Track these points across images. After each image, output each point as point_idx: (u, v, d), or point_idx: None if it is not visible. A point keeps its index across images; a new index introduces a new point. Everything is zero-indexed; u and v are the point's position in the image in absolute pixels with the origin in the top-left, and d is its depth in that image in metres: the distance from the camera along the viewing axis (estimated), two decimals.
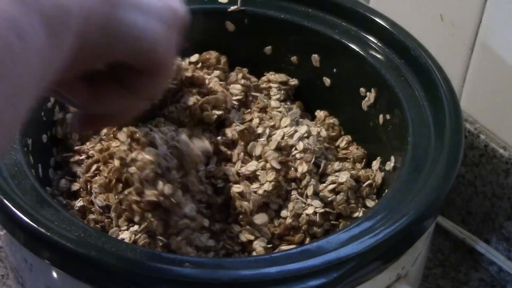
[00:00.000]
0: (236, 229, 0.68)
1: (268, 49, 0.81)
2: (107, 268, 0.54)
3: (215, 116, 0.73)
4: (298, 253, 0.57)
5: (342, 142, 0.78)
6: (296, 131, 0.72)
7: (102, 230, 0.65)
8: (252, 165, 0.70)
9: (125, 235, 0.63)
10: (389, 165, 0.71)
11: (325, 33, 0.77)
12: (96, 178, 0.67)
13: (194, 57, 0.80)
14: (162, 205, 0.62)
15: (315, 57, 0.79)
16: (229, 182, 0.70)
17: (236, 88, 0.77)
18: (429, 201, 0.60)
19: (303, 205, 0.69)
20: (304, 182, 0.69)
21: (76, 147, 0.73)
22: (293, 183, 0.70)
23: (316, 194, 0.69)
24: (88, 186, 0.67)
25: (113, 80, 0.54)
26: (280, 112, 0.76)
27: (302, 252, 0.57)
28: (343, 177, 0.70)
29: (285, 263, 0.55)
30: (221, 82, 0.78)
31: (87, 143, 0.73)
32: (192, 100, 0.73)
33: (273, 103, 0.77)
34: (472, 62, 0.81)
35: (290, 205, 0.69)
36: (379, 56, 0.74)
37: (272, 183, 0.69)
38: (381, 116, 0.74)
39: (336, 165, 0.72)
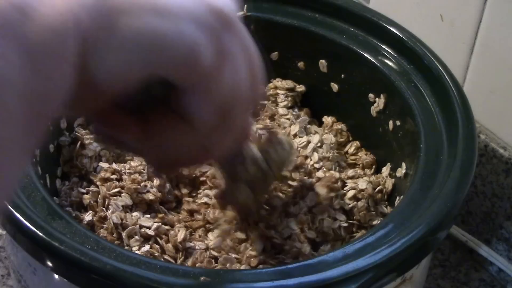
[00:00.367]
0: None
1: (274, 54, 0.81)
2: (122, 282, 0.53)
3: None
4: (315, 264, 0.56)
5: (351, 148, 0.77)
6: (309, 142, 0.72)
7: None
8: None
9: None
10: (400, 171, 0.71)
11: (332, 39, 0.77)
12: (118, 197, 0.67)
13: None
14: None
15: (322, 63, 0.78)
16: None
17: None
18: (445, 210, 0.60)
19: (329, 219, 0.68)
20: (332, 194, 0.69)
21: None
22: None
23: (341, 207, 0.69)
24: (106, 202, 0.66)
25: (163, 108, 0.46)
26: (288, 119, 0.76)
27: (319, 263, 0.56)
28: (363, 183, 0.69)
29: (302, 275, 0.55)
30: None
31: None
32: None
33: (281, 110, 0.77)
34: (472, 62, 0.81)
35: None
36: (388, 61, 0.74)
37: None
38: (390, 122, 0.73)
39: (350, 171, 0.72)
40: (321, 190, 0.68)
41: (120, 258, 0.55)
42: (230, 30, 0.46)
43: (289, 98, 0.79)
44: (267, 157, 0.62)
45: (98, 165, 0.71)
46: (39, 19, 0.36)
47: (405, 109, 0.70)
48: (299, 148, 0.72)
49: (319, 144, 0.73)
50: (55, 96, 0.37)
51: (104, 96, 0.42)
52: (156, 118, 0.46)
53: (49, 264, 0.56)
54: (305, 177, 0.71)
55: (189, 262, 0.64)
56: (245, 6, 0.78)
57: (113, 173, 0.69)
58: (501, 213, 0.82)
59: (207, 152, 0.50)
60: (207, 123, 0.47)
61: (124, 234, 0.63)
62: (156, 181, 0.69)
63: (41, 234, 0.56)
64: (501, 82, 0.79)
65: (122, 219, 0.64)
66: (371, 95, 0.75)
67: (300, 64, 0.80)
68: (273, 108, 0.77)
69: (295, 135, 0.74)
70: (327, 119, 0.79)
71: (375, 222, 0.69)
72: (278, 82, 0.80)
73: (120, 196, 0.67)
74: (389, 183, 0.72)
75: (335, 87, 0.79)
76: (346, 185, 0.70)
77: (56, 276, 0.58)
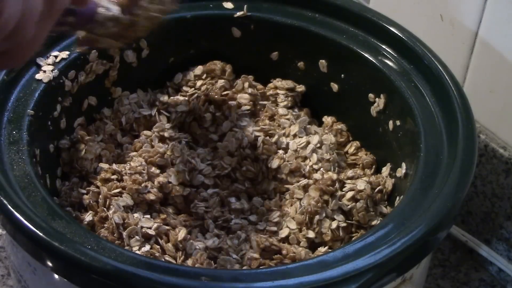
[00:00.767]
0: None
1: (274, 55, 0.81)
2: (122, 282, 0.54)
3: None
4: (315, 264, 0.56)
5: (351, 148, 0.77)
6: (309, 142, 0.72)
7: None
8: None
9: None
10: (400, 171, 0.71)
11: (332, 39, 0.77)
12: (119, 198, 0.67)
13: (199, 70, 0.79)
14: None
15: (322, 63, 0.78)
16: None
17: (244, 98, 0.77)
18: (445, 210, 0.60)
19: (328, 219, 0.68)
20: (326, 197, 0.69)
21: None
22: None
23: (339, 207, 0.69)
24: (107, 202, 0.66)
25: None
26: (288, 119, 0.76)
27: (319, 263, 0.56)
28: (361, 184, 0.70)
29: (302, 275, 0.55)
30: (227, 92, 0.77)
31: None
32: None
33: (281, 110, 0.77)
34: (472, 62, 0.81)
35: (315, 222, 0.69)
36: (388, 61, 0.74)
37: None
38: (390, 122, 0.73)
39: (350, 172, 0.72)
40: (313, 193, 0.69)
41: (120, 258, 0.55)
42: None
43: (289, 98, 0.79)
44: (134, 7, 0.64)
45: (98, 166, 0.71)
46: None
47: (405, 109, 0.70)
48: (298, 149, 0.73)
49: (318, 145, 0.73)
50: None
51: None
52: None
53: (49, 264, 0.56)
54: (302, 178, 0.71)
55: (189, 262, 0.64)
56: (245, 6, 0.79)
57: (113, 174, 0.69)
58: (501, 213, 0.82)
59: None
60: None
61: (124, 234, 0.64)
62: (156, 182, 0.69)
63: (41, 234, 0.56)
64: (501, 82, 0.79)
65: (124, 219, 0.64)
66: (371, 95, 0.75)
67: (300, 64, 0.80)
68: (273, 108, 0.77)
69: (294, 135, 0.74)
70: (327, 119, 0.79)
71: (374, 223, 0.69)
72: (278, 82, 0.80)
73: (121, 196, 0.67)
74: (389, 183, 0.72)
75: (335, 87, 0.79)
76: (345, 186, 0.70)
77: (56, 276, 0.58)
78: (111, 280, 0.54)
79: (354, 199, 0.69)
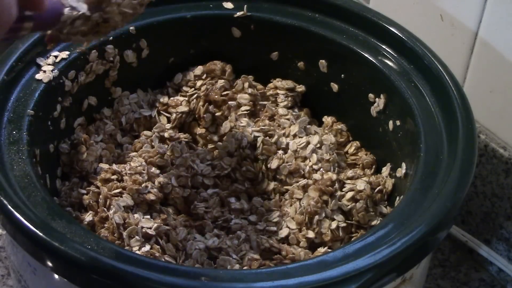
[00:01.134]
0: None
1: (274, 55, 0.81)
2: (122, 282, 0.53)
3: None
4: (315, 264, 0.56)
5: (351, 148, 0.77)
6: (309, 143, 0.72)
7: None
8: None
9: None
10: (400, 171, 0.71)
11: (333, 39, 0.76)
12: (120, 198, 0.67)
13: (199, 70, 0.79)
14: None
15: (322, 63, 0.78)
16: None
17: (244, 98, 0.77)
18: (445, 210, 0.60)
19: (327, 220, 0.68)
20: (325, 197, 0.69)
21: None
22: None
23: (339, 208, 0.69)
24: (107, 202, 0.66)
25: None
26: (288, 119, 0.76)
27: (319, 263, 0.56)
28: (361, 184, 0.70)
29: (302, 275, 0.55)
30: (227, 92, 0.77)
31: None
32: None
33: (281, 110, 0.77)
34: (472, 62, 0.81)
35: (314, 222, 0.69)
36: (388, 61, 0.74)
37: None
38: (390, 122, 0.73)
39: (350, 172, 0.72)
40: (313, 193, 0.69)
41: (120, 258, 0.55)
42: None
43: (289, 98, 0.79)
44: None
45: (98, 166, 0.71)
46: None
47: (405, 109, 0.70)
48: (298, 149, 0.73)
49: (318, 145, 0.73)
50: None
51: None
52: None
53: (49, 264, 0.56)
54: (301, 179, 0.71)
55: (189, 262, 0.64)
56: (245, 6, 0.78)
57: (113, 174, 0.69)
58: (501, 213, 0.82)
59: None
60: None
61: (125, 234, 0.64)
62: (157, 182, 0.70)
63: (41, 234, 0.56)
64: (501, 82, 0.79)
65: (124, 219, 0.65)
66: (371, 95, 0.75)
67: (300, 64, 0.80)
68: (273, 108, 0.77)
69: (294, 135, 0.74)
70: (327, 119, 0.79)
71: (374, 223, 0.69)
72: (278, 82, 0.80)
73: (121, 196, 0.67)
74: (389, 183, 0.72)
75: (335, 87, 0.79)
76: (345, 186, 0.70)
77: (56, 276, 0.58)
78: (111, 280, 0.54)
79: (354, 199, 0.69)
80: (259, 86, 0.80)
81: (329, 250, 0.66)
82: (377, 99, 0.75)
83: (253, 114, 0.77)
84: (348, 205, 0.69)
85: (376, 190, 0.71)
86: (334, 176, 0.70)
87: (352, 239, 0.66)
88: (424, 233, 0.58)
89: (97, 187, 0.68)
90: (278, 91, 0.79)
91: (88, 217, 0.66)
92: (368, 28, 0.76)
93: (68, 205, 0.68)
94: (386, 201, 0.72)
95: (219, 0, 0.79)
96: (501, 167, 0.80)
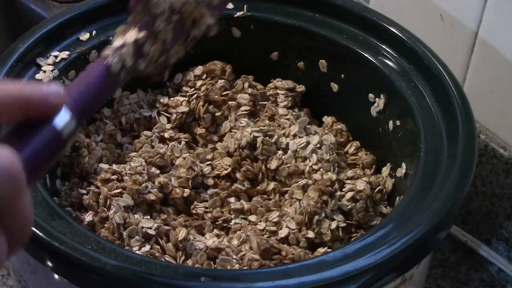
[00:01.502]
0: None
1: (274, 55, 0.81)
2: (122, 283, 0.53)
3: None
4: (315, 264, 0.56)
5: (351, 148, 0.77)
6: (309, 143, 0.72)
7: None
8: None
9: None
10: (400, 171, 0.71)
11: (333, 39, 0.76)
12: (120, 198, 0.67)
13: (199, 70, 0.79)
14: None
15: (322, 63, 0.78)
16: None
17: (243, 98, 0.77)
18: (445, 210, 0.60)
19: (327, 220, 0.68)
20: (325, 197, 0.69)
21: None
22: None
23: (338, 208, 0.69)
24: (107, 202, 0.66)
25: None
26: (288, 119, 0.76)
27: (319, 263, 0.56)
28: (361, 185, 0.70)
29: (302, 275, 0.55)
30: (226, 92, 0.77)
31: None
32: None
33: (281, 110, 0.77)
34: (472, 62, 0.81)
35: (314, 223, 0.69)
36: (388, 61, 0.74)
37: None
38: (391, 122, 0.73)
39: (350, 172, 0.72)
40: (312, 193, 0.69)
41: (120, 258, 0.55)
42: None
43: (289, 98, 0.79)
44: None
45: (98, 166, 0.71)
46: None
47: (405, 109, 0.70)
48: (298, 149, 0.72)
49: (318, 145, 0.73)
50: None
51: None
52: None
53: (49, 264, 0.56)
54: (301, 179, 0.71)
55: (189, 263, 0.64)
56: (245, 6, 0.78)
57: (113, 174, 0.69)
58: (501, 213, 0.82)
59: None
60: None
61: (125, 234, 0.63)
62: (157, 182, 0.70)
63: (41, 234, 0.56)
64: (501, 82, 0.79)
65: (124, 219, 0.64)
66: (371, 95, 0.75)
67: (300, 64, 0.80)
68: (273, 108, 0.77)
69: (294, 135, 0.74)
70: (327, 119, 0.79)
71: (374, 223, 0.69)
72: (278, 82, 0.80)
73: (121, 196, 0.67)
74: (389, 183, 0.72)
75: (335, 87, 0.79)
76: (345, 186, 0.70)
77: (56, 276, 0.58)
78: (111, 280, 0.54)
79: (353, 199, 0.69)
80: (259, 86, 0.80)
81: (329, 250, 0.66)
82: (377, 99, 0.75)
83: (253, 114, 0.77)
84: (348, 205, 0.69)
85: (376, 190, 0.71)
86: (334, 176, 0.70)
87: (352, 239, 0.66)
88: (424, 233, 0.58)
89: (97, 187, 0.68)
90: (278, 91, 0.79)
91: (88, 217, 0.66)
92: (368, 28, 0.76)
93: (68, 205, 0.68)
94: (386, 201, 0.72)
95: None
96: (501, 167, 0.80)
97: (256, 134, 0.73)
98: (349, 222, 0.69)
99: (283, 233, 0.68)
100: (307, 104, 0.81)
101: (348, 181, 0.71)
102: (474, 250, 0.86)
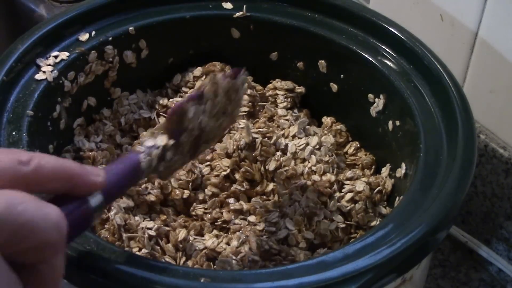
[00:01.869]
0: None
1: (274, 55, 0.81)
2: (122, 283, 0.53)
3: None
4: (315, 265, 0.56)
5: (350, 148, 0.77)
6: (307, 144, 0.72)
7: None
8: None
9: None
10: (400, 172, 0.71)
11: (332, 39, 0.76)
12: (121, 199, 0.67)
13: (198, 71, 0.79)
14: None
15: (322, 63, 0.78)
16: None
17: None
18: (445, 210, 0.60)
19: (326, 221, 0.68)
20: (324, 198, 0.69)
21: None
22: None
23: (338, 208, 0.69)
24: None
25: None
26: (287, 120, 0.76)
27: (318, 263, 0.56)
28: (360, 185, 0.70)
29: (302, 275, 0.55)
30: None
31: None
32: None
33: (280, 111, 0.77)
34: (472, 62, 0.81)
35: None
36: (388, 62, 0.74)
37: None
38: (390, 123, 0.73)
39: (349, 173, 0.72)
40: (311, 194, 0.69)
41: (120, 258, 0.55)
42: None
43: (289, 99, 0.79)
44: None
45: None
46: None
47: (404, 109, 0.70)
48: (297, 151, 0.72)
49: (317, 147, 0.73)
50: None
51: None
52: None
53: None
54: (298, 181, 0.71)
55: (189, 263, 0.64)
56: (244, 6, 0.78)
57: None
58: (501, 213, 0.82)
59: None
60: None
61: (125, 235, 0.63)
62: (156, 183, 0.69)
63: None
64: (501, 82, 0.79)
65: (125, 220, 0.64)
66: (370, 95, 0.75)
67: (300, 65, 0.80)
68: (272, 109, 0.77)
69: (294, 136, 0.74)
70: (327, 120, 0.79)
71: (373, 223, 0.69)
72: (277, 83, 0.80)
73: (121, 198, 0.67)
74: (389, 184, 0.72)
75: (334, 87, 0.79)
76: (344, 187, 0.70)
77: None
78: (110, 281, 0.53)
79: (353, 200, 0.69)
80: (258, 87, 0.80)
81: (329, 250, 0.66)
82: (376, 99, 0.75)
83: (252, 115, 0.77)
84: (347, 206, 0.69)
85: (375, 191, 0.71)
86: (333, 178, 0.70)
87: (352, 240, 0.66)
88: (424, 233, 0.58)
89: None
90: (278, 92, 0.79)
91: None
92: (367, 28, 0.76)
93: None
94: (385, 202, 0.72)
95: (218, 0, 0.79)
96: (501, 167, 0.80)
97: (255, 135, 0.73)
98: (348, 223, 0.69)
99: (282, 233, 0.68)
100: (306, 104, 0.81)
101: (348, 182, 0.71)
102: (474, 250, 0.86)
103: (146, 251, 0.63)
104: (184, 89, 0.79)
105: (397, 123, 0.72)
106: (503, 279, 0.84)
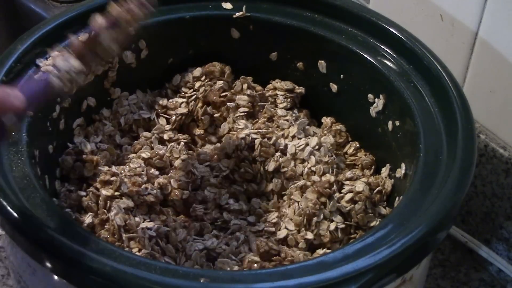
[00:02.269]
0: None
1: (273, 55, 0.80)
2: (121, 283, 0.53)
3: None
4: (315, 265, 0.56)
5: (350, 148, 0.77)
6: (307, 144, 0.72)
7: None
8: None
9: None
10: (400, 172, 0.71)
11: (332, 39, 0.76)
12: (120, 200, 0.67)
13: (197, 71, 0.79)
14: None
15: (321, 63, 0.78)
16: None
17: (242, 99, 0.77)
18: (445, 210, 0.60)
19: (326, 221, 0.68)
20: (323, 199, 0.69)
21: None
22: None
23: (337, 209, 0.69)
24: (107, 204, 0.66)
25: None
26: (287, 120, 0.76)
27: (318, 264, 0.56)
28: (360, 186, 0.70)
29: (302, 276, 0.55)
30: (225, 93, 0.77)
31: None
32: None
33: (280, 111, 0.77)
34: (472, 62, 0.81)
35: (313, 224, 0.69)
36: (387, 62, 0.74)
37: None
38: (390, 123, 0.73)
39: (348, 173, 0.72)
40: (311, 195, 0.69)
41: (120, 259, 0.55)
42: None
43: (288, 100, 0.79)
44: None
45: (98, 169, 0.71)
46: None
47: (404, 110, 0.70)
48: (297, 151, 0.72)
49: (317, 147, 0.73)
50: None
51: None
52: None
53: (48, 265, 0.56)
54: (298, 181, 0.71)
55: (189, 263, 0.64)
56: (244, 6, 0.78)
57: (112, 176, 0.69)
58: (501, 213, 0.82)
59: None
60: None
61: (125, 235, 0.63)
62: (156, 183, 0.69)
63: (40, 234, 0.56)
64: (501, 82, 0.79)
65: (125, 221, 0.64)
66: (370, 96, 0.75)
67: (299, 65, 0.80)
68: (272, 109, 0.77)
69: (293, 137, 0.74)
70: (326, 120, 0.79)
71: (373, 224, 0.69)
72: (277, 83, 0.80)
73: (121, 198, 0.67)
74: (389, 184, 0.72)
75: (334, 87, 0.79)
76: (344, 188, 0.70)
77: (56, 277, 0.58)
78: (110, 281, 0.53)
79: (352, 200, 0.69)
80: (258, 88, 0.80)
81: (329, 251, 0.66)
82: (376, 99, 0.75)
83: (251, 115, 0.77)
84: (347, 207, 0.69)
85: (375, 191, 0.71)
86: (332, 178, 0.70)
87: (351, 240, 0.66)
88: (424, 233, 0.58)
89: (97, 189, 0.68)
90: (277, 92, 0.79)
91: (88, 218, 0.66)
92: (367, 28, 0.76)
93: (67, 206, 0.68)
94: (385, 202, 0.72)
95: (218, 0, 0.79)
96: (501, 167, 0.80)
97: (254, 136, 0.73)
98: (348, 223, 0.69)
99: (282, 234, 0.68)
100: (306, 104, 0.81)
101: (347, 182, 0.71)
102: (474, 250, 0.86)
103: (146, 251, 0.63)
104: (183, 89, 0.79)
105: (397, 123, 0.72)
106: (503, 279, 0.84)
